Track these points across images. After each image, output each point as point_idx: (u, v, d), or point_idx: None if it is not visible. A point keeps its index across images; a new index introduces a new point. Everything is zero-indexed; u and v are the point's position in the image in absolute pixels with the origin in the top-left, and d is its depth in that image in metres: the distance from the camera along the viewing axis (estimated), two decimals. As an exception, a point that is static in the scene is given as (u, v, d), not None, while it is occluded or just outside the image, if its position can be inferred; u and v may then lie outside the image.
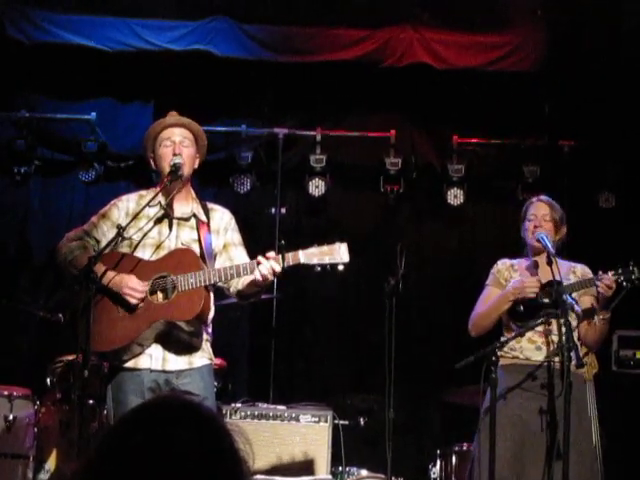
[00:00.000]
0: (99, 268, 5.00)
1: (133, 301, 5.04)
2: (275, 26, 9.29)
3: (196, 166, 5.43)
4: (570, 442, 5.32)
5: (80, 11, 9.07)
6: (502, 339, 5.81)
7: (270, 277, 5.00)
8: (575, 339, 5.53)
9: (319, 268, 5.02)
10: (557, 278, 5.56)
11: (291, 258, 4.99)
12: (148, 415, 1.80)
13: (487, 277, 6.14)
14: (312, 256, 4.99)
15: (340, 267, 5.04)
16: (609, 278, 5.67)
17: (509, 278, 5.97)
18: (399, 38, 9.24)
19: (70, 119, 9.40)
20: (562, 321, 5.43)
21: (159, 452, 1.71)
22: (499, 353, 5.65)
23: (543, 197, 6.11)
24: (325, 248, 5.01)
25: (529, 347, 5.76)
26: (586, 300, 5.89)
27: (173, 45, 9.13)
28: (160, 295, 5.10)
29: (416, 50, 9.23)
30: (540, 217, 5.94)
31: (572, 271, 5.95)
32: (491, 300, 5.94)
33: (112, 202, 5.42)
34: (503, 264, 6.07)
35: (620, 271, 5.72)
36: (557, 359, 5.58)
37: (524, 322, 5.75)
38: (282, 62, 9.29)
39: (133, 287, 5.03)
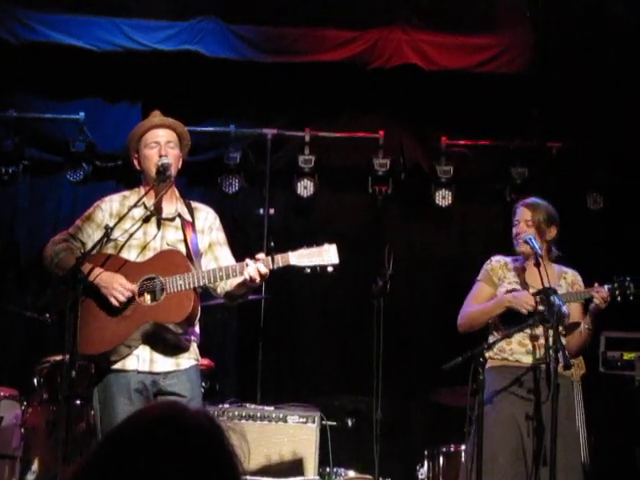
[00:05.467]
0: (86, 267, 4.98)
1: (120, 298, 5.02)
2: (264, 27, 9.28)
3: (179, 166, 5.41)
4: (557, 446, 5.33)
5: (68, 11, 9.05)
6: (490, 340, 5.81)
7: (259, 279, 5.00)
8: (562, 341, 5.54)
9: (309, 270, 5.02)
10: (545, 280, 5.56)
11: (281, 260, 4.99)
12: (144, 421, 1.79)
13: (478, 272, 6.12)
14: (302, 258, 5.00)
15: (329, 269, 5.04)
16: (605, 291, 5.68)
17: (502, 277, 5.95)
18: (388, 39, 9.24)
19: (58, 119, 9.38)
20: (550, 322, 5.43)
21: (157, 458, 1.71)
22: (487, 354, 5.66)
23: (527, 200, 6.10)
24: (314, 250, 5.01)
25: (519, 350, 5.76)
26: (573, 308, 5.89)
27: (161, 45, 9.11)
28: (148, 297, 5.09)
29: (405, 51, 9.24)
30: (522, 222, 5.93)
31: (562, 277, 5.94)
32: (485, 303, 5.92)
33: (95, 204, 5.41)
34: (497, 262, 6.04)
35: (616, 285, 5.73)
36: (543, 364, 5.59)
37: (513, 325, 5.76)
38: (271, 63, 9.28)
39: (123, 284, 5.02)
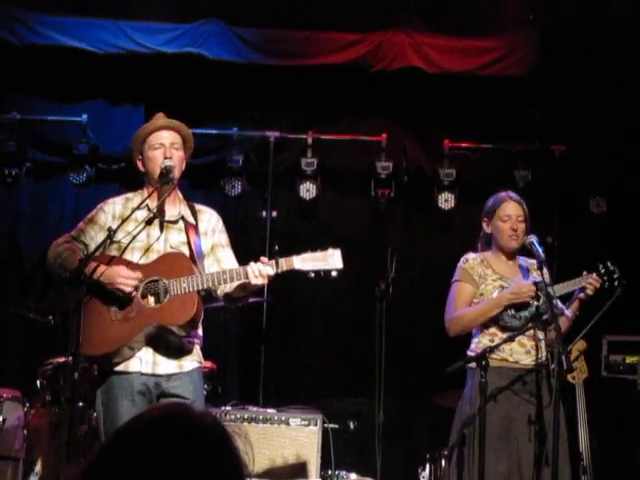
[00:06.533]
0: (89, 267, 4.97)
1: (127, 289, 5.00)
2: (267, 29, 9.30)
3: (183, 168, 5.41)
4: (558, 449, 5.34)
5: (72, 13, 9.06)
6: (491, 343, 5.77)
7: (263, 282, 4.99)
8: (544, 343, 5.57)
9: (312, 274, 5.01)
10: (548, 283, 5.56)
11: (285, 264, 4.98)
12: (149, 422, 1.80)
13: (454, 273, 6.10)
14: (306, 262, 4.98)
15: (333, 273, 5.02)
16: (596, 278, 5.72)
17: (483, 275, 5.91)
18: (391, 42, 9.25)
19: (61, 121, 9.39)
20: (553, 326, 5.43)
21: (161, 459, 1.71)
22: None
23: (513, 195, 6.05)
24: (318, 254, 4.99)
25: (519, 350, 5.74)
26: None
27: (165, 47, 9.13)
28: (152, 299, 5.08)
29: (408, 54, 9.24)
30: (515, 219, 5.90)
31: (533, 267, 5.93)
32: (480, 304, 5.89)
33: (98, 206, 5.40)
34: (474, 259, 6.00)
35: (603, 271, 5.77)
36: (546, 363, 5.60)
37: (509, 326, 5.75)
38: (274, 65, 9.29)
39: (126, 275, 5.01)
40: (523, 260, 6.04)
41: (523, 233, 5.88)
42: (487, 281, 5.89)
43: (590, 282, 5.75)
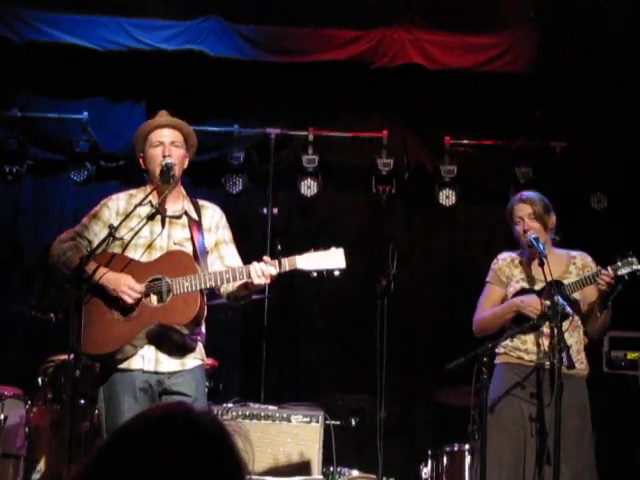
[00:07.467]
0: (90, 267, 4.97)
1: (129, 300, 5.01)
2: (268, 26, 9.29)
3: (185, 166, 5.40)
4: (571, 448, 5.35)
5: (72, 10, 9.06)
6: (510, 342, 5.78)
7: (266, 281, 4.98)
8: (567, 341, 5.53)
9: (315, 274, 5.00)
10: (549, 280, 5.55)
11: (288, 263, 4.97)
12: (150, 421, 1.80)
13: (482, 272, 6.10)
14: (309, 261, 4.97)
15: (336, 273, 5.02)
16: (608, 274, 5.65)
17: (510, 275, 5.94)
18: (391, 39, 9.24)
19: (62, 118, 9.38)
20: (553, 322, 5.43)
21: (162, 458, 1.71)
22: (503, 350, 5.70)
23: (524, 195, 6.02)
24: (321, 253, 4.98)
25: (534, 350, 5.75)
26: (590, 290, 5.86)
27: (165, 45, 9.12)
28: (154, 298, 5.08)
29: (408, 51, 9.24)
30: (527, 219, 5.89)
31: (572, 262, 5.91)
32: (496, 307, 5.91)
33: (102, 202, 5.40)
34: (504, 260, 6.02)
35: (620, 263, 5.70)
36: (548, 363, 5.59)
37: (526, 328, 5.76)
38: (274, 62, 9.28)
39: (131, 286, 5.01)
40: (566, 253, 6.01)
41: (538, 230, 5.85)
42: (512, 282, 5.91)
43: (602, 278, 5.70)
